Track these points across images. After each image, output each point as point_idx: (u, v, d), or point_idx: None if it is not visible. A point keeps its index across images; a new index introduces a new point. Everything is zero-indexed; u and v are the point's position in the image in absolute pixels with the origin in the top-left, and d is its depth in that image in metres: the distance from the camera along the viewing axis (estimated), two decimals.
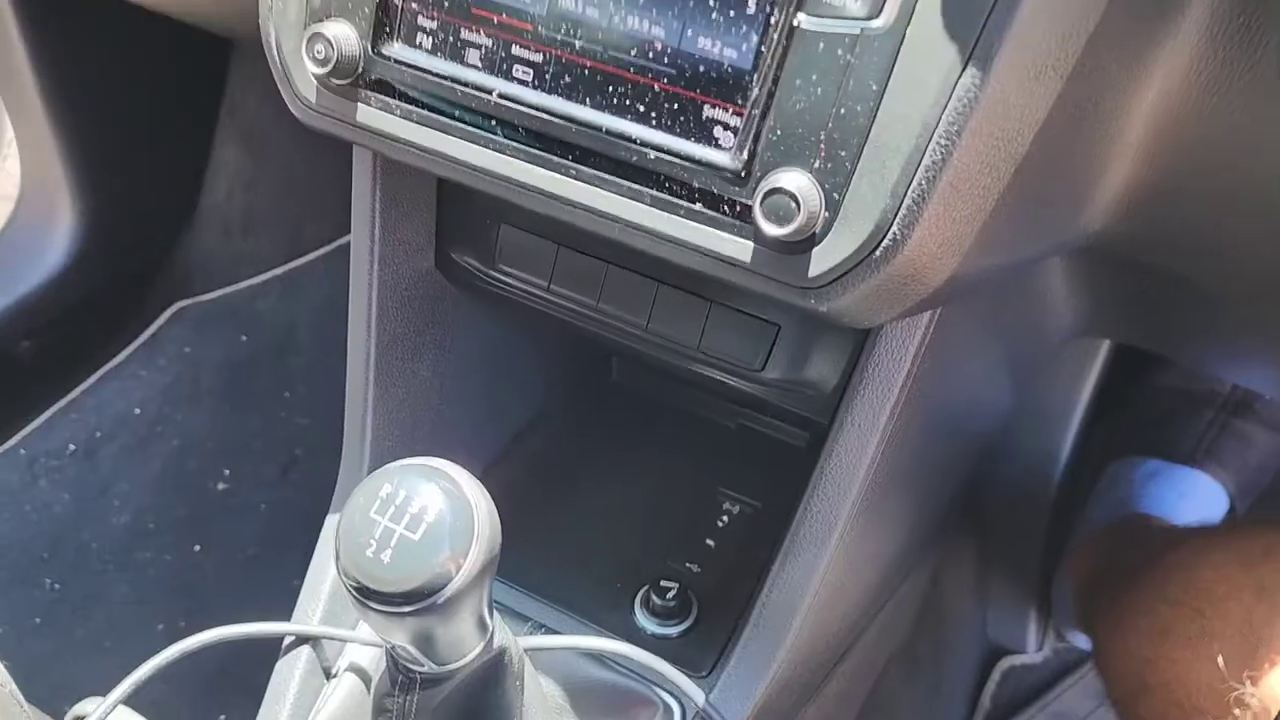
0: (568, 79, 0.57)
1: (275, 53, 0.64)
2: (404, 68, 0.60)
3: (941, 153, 0.49)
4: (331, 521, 0.80)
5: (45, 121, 1.47)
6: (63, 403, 1.56)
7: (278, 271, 1.70)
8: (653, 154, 0.55)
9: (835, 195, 0.51)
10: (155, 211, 1.66)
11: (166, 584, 1.45)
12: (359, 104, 0.62)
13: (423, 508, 0.49)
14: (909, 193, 0.50)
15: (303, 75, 0.63)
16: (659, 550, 0.84)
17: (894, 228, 0.51)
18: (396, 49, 0.60)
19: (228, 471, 1.50)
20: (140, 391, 1.58)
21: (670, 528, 0.86)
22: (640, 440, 0.94)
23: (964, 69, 0.48)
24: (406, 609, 0.49)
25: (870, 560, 0.77)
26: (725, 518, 0.88)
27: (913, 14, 0.48)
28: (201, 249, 1.69)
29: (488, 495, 0.50)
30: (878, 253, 0.51)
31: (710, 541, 0.86)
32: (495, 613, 0.56)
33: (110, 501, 1.46)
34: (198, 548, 1.44)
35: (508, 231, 0.76)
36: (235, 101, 1.64)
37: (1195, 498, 1.18)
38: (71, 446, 1.50)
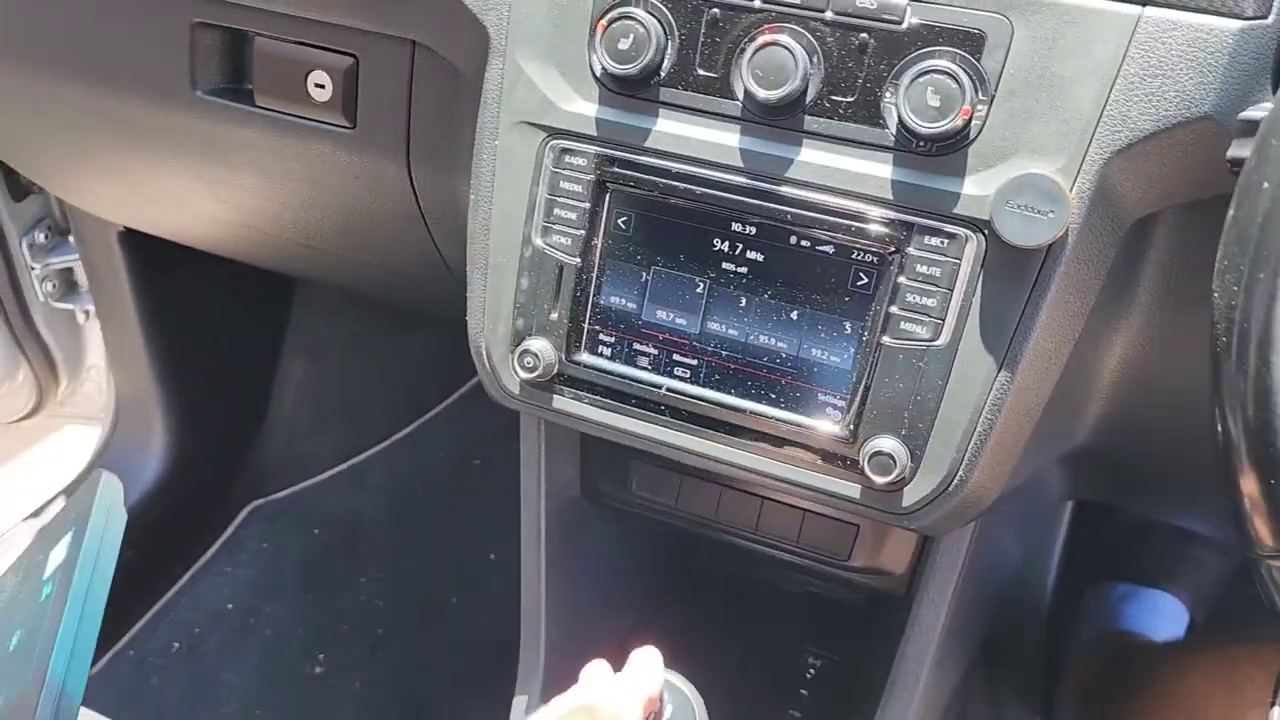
0: (717, 376, 0.81)
1: (486, 361, 0.87)
2: (590, 370, 0.84)
3: (987, 424, 0.74)
4: (520, 703, 1.00)
5: (142, 349, 1.69)
6: (160, 604, 1.74)
7: (342, 468, 1.91)
8: (784, 427, 0.80)
9: (917, 452, 0.76)
10: (231, 422, 1.87)
11: None
12: (555, 395, 0.86)
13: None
14: (968, 451, 0.75)
15: (510, 377, 0.87)
16: (769, 701, 1.05)
17: (960, 473, 0.76)
18: (584, 357, 0.84)
19: (321, 656, 1.68)
20: (229, 588, 1.77)
21: (771, 680, 1.08)
22: (729, 608, 1.17)
23: (999, 371, 0.73)
24: None
25: (942, 696, 1.00)
26: (811, 670, 1.10)
27: (962, 336, 0.74)
28: (272, 452, 1.90)
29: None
30: (949, 489, 0.76)
31: (804, 691, 1.08)
32: None
33: (218, 693, 1.63)
34: None
35: (638, 466, 1.00)
36: (299, 322, 1.88)
37: (1163, 615, 1.43)
38: (176, 644, 1.68)
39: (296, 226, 1.16)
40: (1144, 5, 0.68)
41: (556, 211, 0.82)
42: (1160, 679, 1.19)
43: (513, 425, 0.99)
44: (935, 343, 0.74)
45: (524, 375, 0.84)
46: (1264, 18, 0.66)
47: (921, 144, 0.73)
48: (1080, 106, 0.69)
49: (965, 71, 0.71)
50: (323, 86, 0.97)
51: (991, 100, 0.71)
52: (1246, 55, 0.66)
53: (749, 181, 0.77)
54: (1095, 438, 0.89)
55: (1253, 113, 0.62)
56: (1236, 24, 0.66)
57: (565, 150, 0.81)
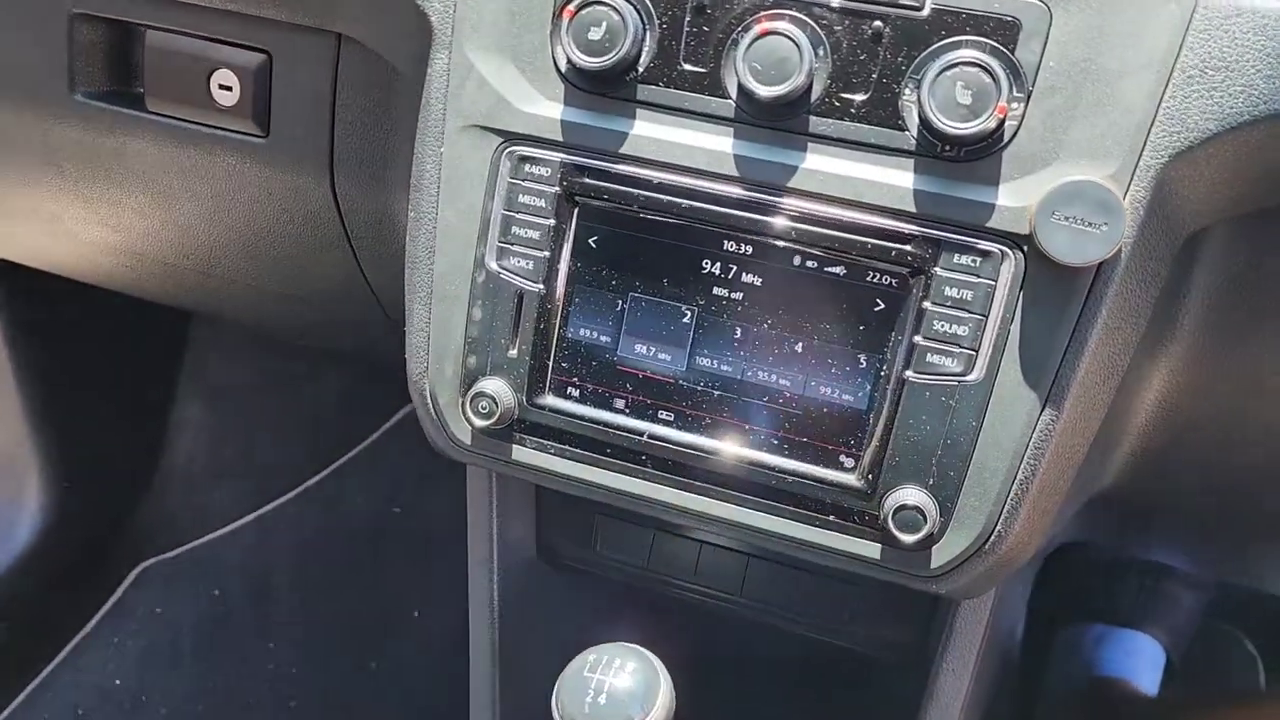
0: (708, 420, 0.70)
1: (431, 407, 0.74)
2: (557, 415, 0.72)
3: (1029, 470, 0.64)
4: None
5: (15, 394, 1.51)
6: (36, 682, 1.53)
7: (245, 520, 1.73)
8: (788, 478, 0.68)
9: (948, 505, 0.65)
10: (119, 473, 1.68)
11: None
12: (514, 445, 0.73)
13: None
14: (1008, 501, 0.65)
15: (460, 425, 0.74)
16: None
17: (998, 527, 0.65)
18: (549, 400, 0.72)
19: None
20: (116, 661, 1.57)
21: None
22: (709, 681, 1.04)
23: (1042, 409, 0.63)
24: None
25: None
26: None
27: (999, 370, 0.63)
28: (166, 506, 1.71)
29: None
30: (986, 547, 0.66)
31: None
32: None
33: None
34: None
35: (603, 521, 0.87)
36: (196, 362, 1.70)
37: (1141, 656, 1.36)
38: None
39: (195, 253, 1.01)
40: None
41: (515, 230, 0.70)
42: None
43: (436, 465, 0.86)
44: (968, 378, 0.64)
45: (478, 422, 0.72)
46: None
47: (948, 148, 0.63)
48: (1131, 104, 0.60)
49: (999, 64, 0.61)
50: (229, 89, 0.84)
51: (1028, 97, 0.62)
52: None
53: (744, 193, 0.67)
54: (1120, 480, 0.80)
55: None
56: None
57: (525, 158, 0.70)
